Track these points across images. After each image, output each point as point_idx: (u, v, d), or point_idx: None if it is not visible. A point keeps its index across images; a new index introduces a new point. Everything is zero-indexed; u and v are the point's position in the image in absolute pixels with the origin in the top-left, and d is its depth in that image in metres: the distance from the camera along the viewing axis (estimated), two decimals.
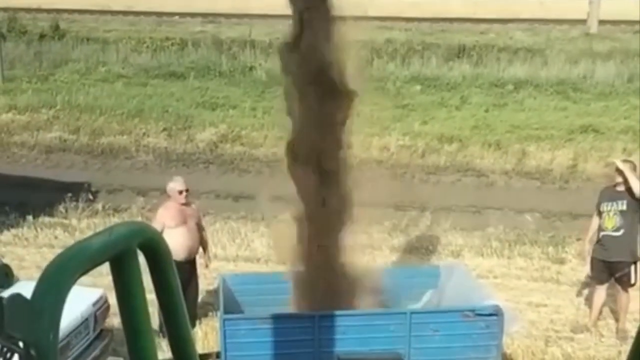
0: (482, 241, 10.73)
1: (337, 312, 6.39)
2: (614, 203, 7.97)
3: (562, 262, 10.15)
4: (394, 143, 14.54)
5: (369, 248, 8.56)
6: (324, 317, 6.31)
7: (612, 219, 7.98)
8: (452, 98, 17.71)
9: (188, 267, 7.85)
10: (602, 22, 26.52)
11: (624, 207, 7.90)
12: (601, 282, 8.20)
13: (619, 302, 8.26)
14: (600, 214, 8.13)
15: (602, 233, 8.08)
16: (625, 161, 8.40)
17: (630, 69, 19.28)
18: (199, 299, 8.54)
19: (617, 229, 7.95)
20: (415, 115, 16.38)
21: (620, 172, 7.96)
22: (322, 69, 6.23)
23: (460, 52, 21.15)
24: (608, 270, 8.12)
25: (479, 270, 9.49)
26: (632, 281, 8.00)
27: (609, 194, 8.13)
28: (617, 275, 8.06)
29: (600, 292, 8.26)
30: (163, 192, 8.70)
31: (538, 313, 8.72)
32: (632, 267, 7.96)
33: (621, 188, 7.96)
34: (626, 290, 8.09)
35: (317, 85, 6.26)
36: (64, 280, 1.25)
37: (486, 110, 16.88)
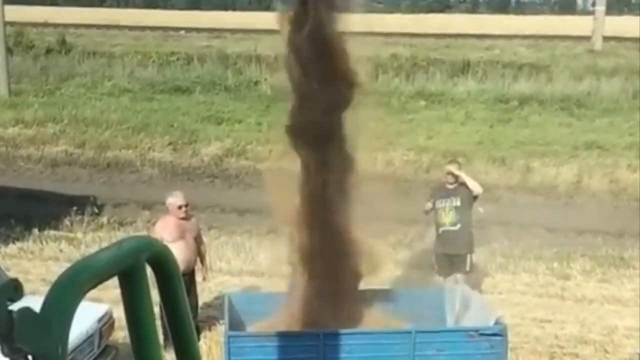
0: (486, 256, 10.71)
1: (342, 331, 6.35)
2: (449, 200, 8.41)
3: (566, 277, 10.12)
4: (399, 158, 14.56)
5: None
6: (329, 335, 6.28)
7: (448, 215, 8.40)
8: (456, 113, 17.75)
9: (186, 280, 7.83)
10: (606, 39, 26.60)
11: (458, 204, 8.37)
12: (446, 275, 8.52)
13: None
14: (436, 211, 8.50)
15: (441, 229, 8.49)
16: (452, 162, 9.03)
17: (635, 86, 19.30)
18: (205, 313, 8.53)
19: (455, 224, 8.38)
20: (420, 130, 16.41)
21: (453, 175, 8.44)
22: (327, 46, 6.18)
23: (465, 67, 21.23)
24: (450, 262, 8.49)
25: (484, 286, 9.46)
26: (467, 269, 8.46)
27: (442, 192, 8.53)
28: (456, 265, 8.50)
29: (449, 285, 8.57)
30: None
31: (543, 329, 8.67)
32: (468, 257, 8.47)
33: (452, 186, 8.45)
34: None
35: (320, 65, 6.21)
36: (73, 294, 1.25)
37: (491, 126, 16.90)
